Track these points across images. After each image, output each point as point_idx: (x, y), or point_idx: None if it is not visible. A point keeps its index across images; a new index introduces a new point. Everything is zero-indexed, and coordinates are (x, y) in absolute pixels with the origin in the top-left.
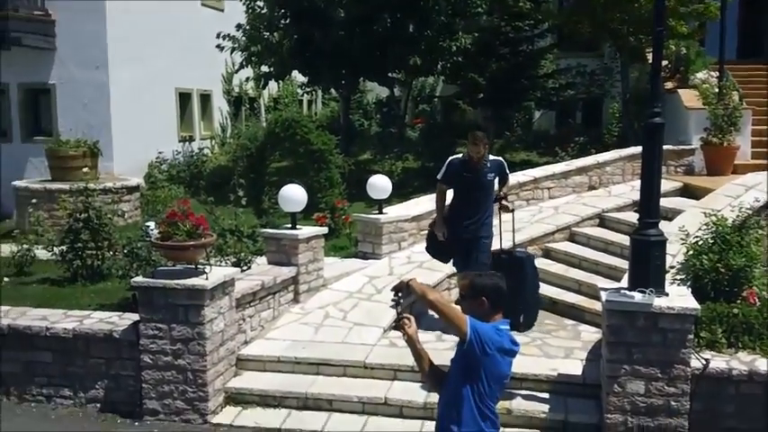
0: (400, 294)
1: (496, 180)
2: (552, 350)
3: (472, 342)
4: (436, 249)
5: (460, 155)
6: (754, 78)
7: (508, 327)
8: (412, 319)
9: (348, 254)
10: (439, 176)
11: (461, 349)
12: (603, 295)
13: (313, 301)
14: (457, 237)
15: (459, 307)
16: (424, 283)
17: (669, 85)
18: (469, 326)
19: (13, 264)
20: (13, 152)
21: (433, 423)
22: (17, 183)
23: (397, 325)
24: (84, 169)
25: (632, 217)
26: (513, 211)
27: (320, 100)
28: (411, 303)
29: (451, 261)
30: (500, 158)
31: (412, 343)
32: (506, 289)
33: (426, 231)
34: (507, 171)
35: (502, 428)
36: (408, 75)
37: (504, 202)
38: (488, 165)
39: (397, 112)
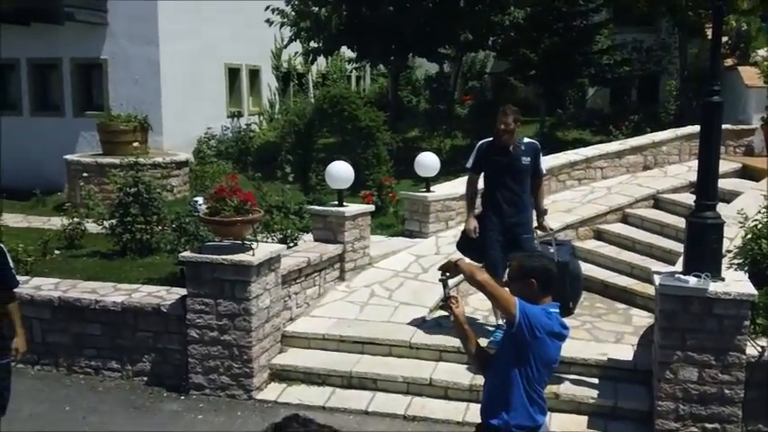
0: (448, 274)
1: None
2: (602, 334)
3: (521, 325)
4: (466, 245)
5: (490, 138)
6: None
7: (558, 310)
8: (459, 299)
9: (395, 232)
10: (468, 164)
11: (509, 332)
12: (657, 279)
13: (359, 280)
14: (490, 233)
15: (506, 291)
16: (473, 264)
17: (729, 62)
18: (518, 308)
19: (64, 237)
20: (65, 126)
21: (478, 405)
22: (69, 156)
23: (445, 304)
24: (135, 144)
25: (688, 198)
26: (552, 231)
27: (369, 76)
28: (458, 283)
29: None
30: (535, 142)
31: (459, 323)
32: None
33: None
34: (541, 162)
35: (550, 413)
36: (458, 50)
37: (542, 223)
38: (522, 147)
39: (446, 88)
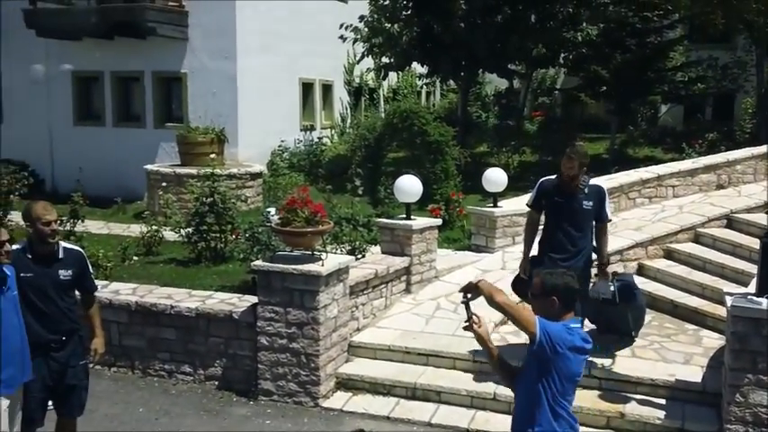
0: (469, 295)
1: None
2: (671, 355)
3: (542, 342)
4: (520, 286)
5: (554, 176)
6: None
7: (579, 325)
8: (482, 318)
9: (461, 246)
10: (528, 201)
11: (531, 349)
12: (729, 300)
13: (425, 292)
14: None
15: (527, 308)
16: (493, 285)
17: None
18: (539, 327)
19: (142, 243)
20: (145, 137)
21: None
22: (149, 167)
23: (468, 325)
24: (212, 155)
25: (763, 219)
26: (613, 277)
27: (439, 91)
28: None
29: None
30: (601, 186)
31: (483, 342)
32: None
33: None
34: (608, 207)
35: None
36: (528, 66)
37: (604, 268)
38: (585, 190)
39: (515, 104)
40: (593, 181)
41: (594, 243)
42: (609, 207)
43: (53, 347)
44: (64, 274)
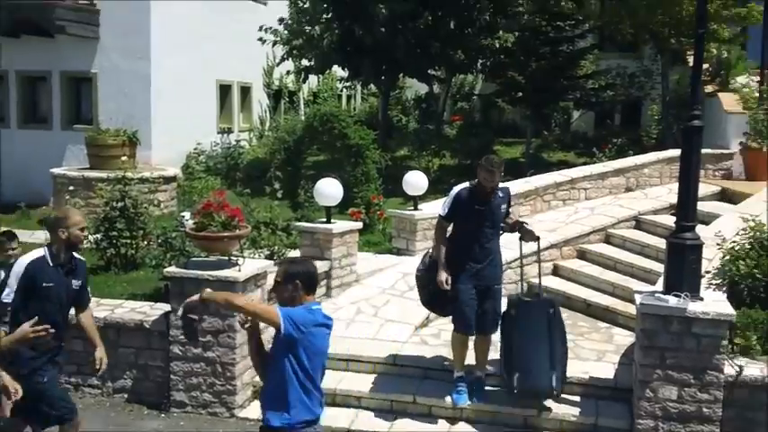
0: (196, 318)
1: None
2: (585, 353)
3: (288, 328)
4: (435, 300)
5: (467, 184)
6: None
7: (320, 306)
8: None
9: (382, 249)
10: (443, 212)
11: (279, 338)
12: (638, 298)
13: (345, 296)
14: (463, 287)
15: (265, 305)
16: (222, 292)
17: (709, 88)
18: (282, 316)
19: None
20: (52, 139)
21: (463, 424)
22: (55, 170)
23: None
24: (123, 158)
25: (669, 220)
26: (538, 238)
27: (359, 95)
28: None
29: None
30: (508, 187)
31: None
32: None
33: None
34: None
35: (533, 431)
36: (448, 72)
37: (525, 226)
38: (500, 194)
39: (435, 108)
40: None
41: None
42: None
43: (56, 354)
44: (75, 284)
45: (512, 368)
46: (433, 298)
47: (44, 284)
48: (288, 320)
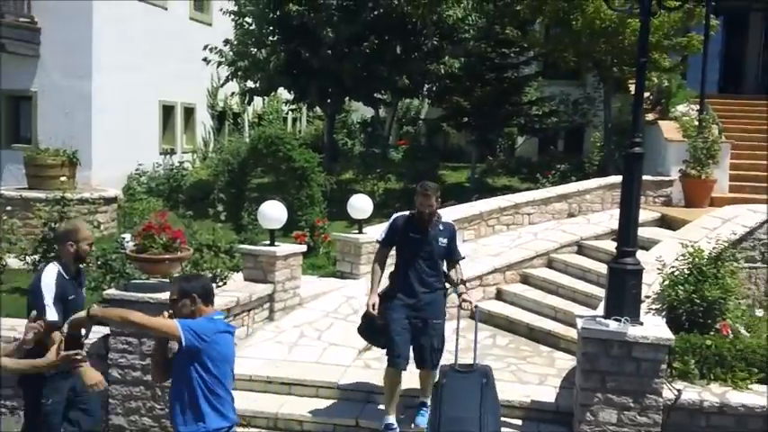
0: (82, 335)
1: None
2: (527, 376)
3: (189, 340)
4: (371, 331)
5: (407, 212)
6: (734, 112)
7: (222, 316)
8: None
9: (326, 273)
10: (379, 236)
11: (182, 351)
12: (579, 323)
13: (288, 320)
14: (396, 317)
15: (163, 319)
16: (116, 308)
17: (650, 116)
18: (180, 328)
19: None
20: None
21: None
22: None
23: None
24: (62, 178)
25: (610, 245)
26: (476, 310)
27: (305, 118)
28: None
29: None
30: (453, 223)
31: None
32: None
33: None
34: (460, 246)
35: None
36: (394, 96)
37: (464, 297)
38: (441, 227)
39: (381, 132)
40: (449, 213)
41: (451, 276)
42: (461, 244)
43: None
44: (82, 293)
45: None
46: (368, 327)
47: (69, 297)
48: (188, 331)
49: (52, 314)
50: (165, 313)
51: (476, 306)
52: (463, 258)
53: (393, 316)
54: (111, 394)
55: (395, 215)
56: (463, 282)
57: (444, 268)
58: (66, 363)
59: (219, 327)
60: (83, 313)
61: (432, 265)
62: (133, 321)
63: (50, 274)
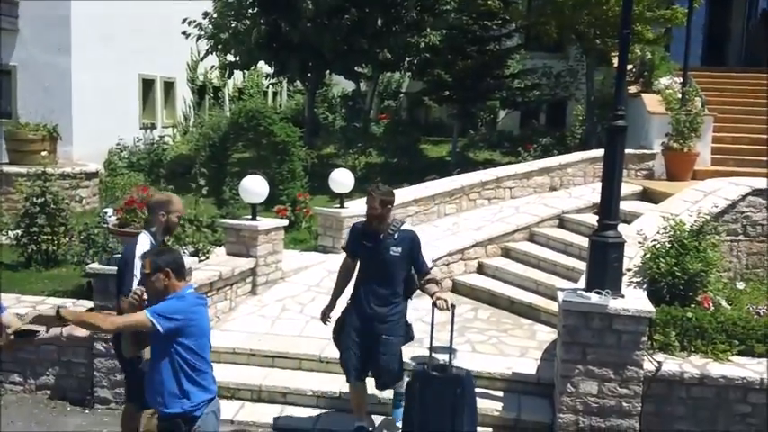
0: (38, 331)
1: (406, 260)
2: (508, 349)
3: (164, 324)
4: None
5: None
6: (718, 85)
7: (192, 289)
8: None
9: (308, 247)
10: (344, 244)
11: (159, 336)
12: (560, 295)
13: (271, 294)
14: (346, 330)
15: (133, 315)
16: (81, 312)
17: (633, 89)
18: (151, 317)
19: None
20: None
21: (383, 418)
22: None
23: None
24: (43, 153)
25: (592, 219)
26: (453, 308)
27: (285, 92)
28: None
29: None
30: (412, 231)
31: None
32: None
33: None
34: (422, 254)
35: None
36: (375, 70)
37: (438, 295)
38: (395, 236)
39: (362, 106)
40: (430, 188)
41: (427, 290)
42: (426, 256)
43: None
44: None
45: None
46: (338, 338)
47: None
48: (159, 317)
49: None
50: (127, 299)
51: (452, 305)
52: (429, 271)
53: (345, 329)
54: (97, 367)
55: (355, 223)
56: (437, 282)
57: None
58: (8, 349)
59: (191, 302)
60: (51, 311)
61: (384, 276)
62: (105, 329)
63: (144, 245)
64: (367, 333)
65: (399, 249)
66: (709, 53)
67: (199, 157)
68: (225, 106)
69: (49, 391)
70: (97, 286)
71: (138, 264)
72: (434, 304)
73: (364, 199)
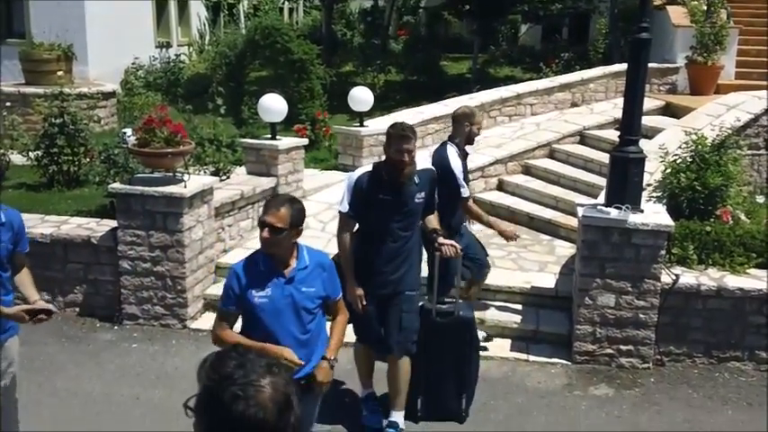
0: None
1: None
2: (527, 264)
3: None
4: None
5: (369, 167)
6: None
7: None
8: None
9: (328, 166)
10: (342, 207)
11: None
12: (580, 211)
13: None
14: (369, 296)
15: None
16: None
17: (658, 1)
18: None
19: None
20: None
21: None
22: None
23: None
24: (59, 73)
25: (613, 135)
26: (458, 254)
27: (302, 8)
28: None
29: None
30: (431, 169)
31: None
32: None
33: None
34: (436, 191)
35: None
36: None
37: (441, 241)
38: (417, 180)
39: (380, 22)
40: (450, 105)
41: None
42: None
43: None
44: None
45: (416, 391)
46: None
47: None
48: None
49: (466, 192)
50: None
51: (461, 249)
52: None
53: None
54: (123, 285)
55: (355, 175)
56: (436, 230)
57: None
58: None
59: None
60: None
61: (407, 230)
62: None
63: (455, 155)
64: (383, 295)
65: (423, 194)
66: None
67: (215, 75)
68: (240, 23)
69: (77, 309)
70: (120, 206)
71: (458, 171)
72: (438, 250)
73: (385, 117)
